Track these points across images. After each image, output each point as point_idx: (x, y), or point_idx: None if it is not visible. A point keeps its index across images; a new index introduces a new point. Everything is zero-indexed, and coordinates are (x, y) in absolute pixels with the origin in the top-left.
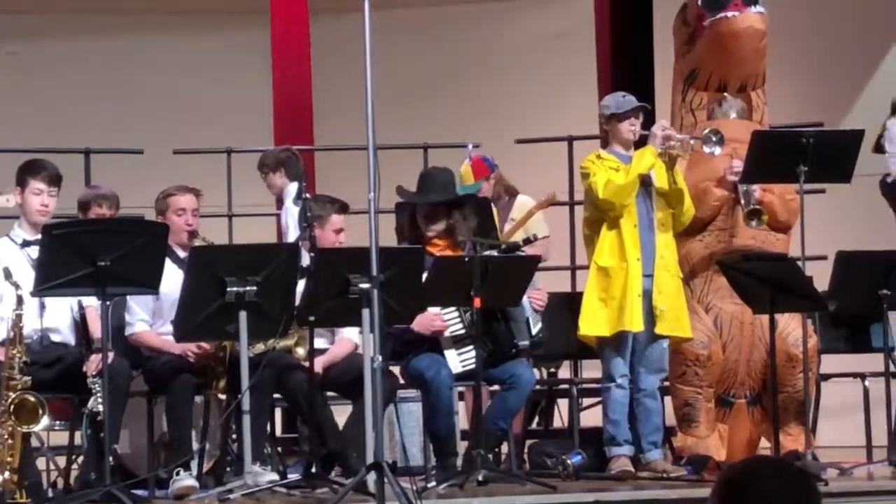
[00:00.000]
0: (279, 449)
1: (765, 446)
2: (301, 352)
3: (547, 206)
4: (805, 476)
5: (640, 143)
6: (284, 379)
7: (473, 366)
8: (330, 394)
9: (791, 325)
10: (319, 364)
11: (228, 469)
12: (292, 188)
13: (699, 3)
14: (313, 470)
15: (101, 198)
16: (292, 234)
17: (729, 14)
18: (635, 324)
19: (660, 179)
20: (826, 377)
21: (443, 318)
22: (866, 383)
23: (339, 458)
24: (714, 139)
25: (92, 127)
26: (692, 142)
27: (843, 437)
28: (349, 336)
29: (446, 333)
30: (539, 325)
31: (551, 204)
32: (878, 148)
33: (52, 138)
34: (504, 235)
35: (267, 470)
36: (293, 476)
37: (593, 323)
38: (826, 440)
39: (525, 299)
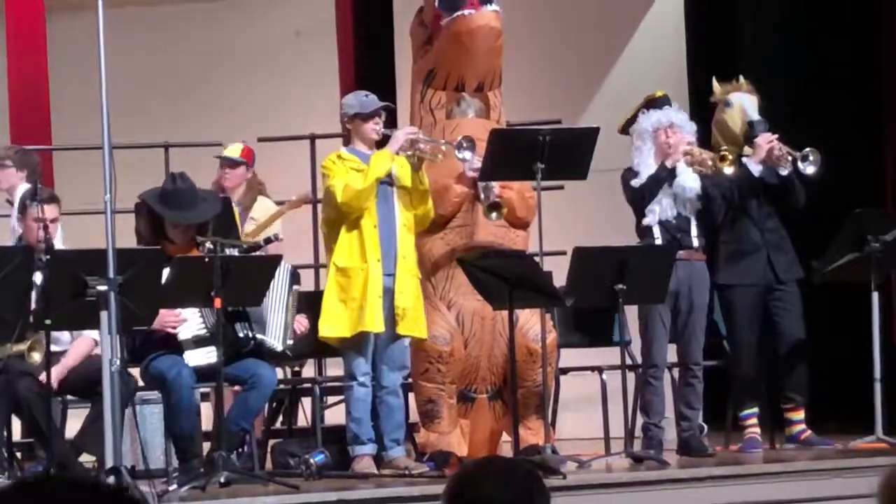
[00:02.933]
0: (18, 454)
1: (507, 440)
2: (36, 356)
3: (300, 205)
4: (533, 477)
5: (383, 142)
6: (13, 387)
7: (213, 360)
8: (69, 397)
9: (531, 321)
10: (56, 375)
11: None
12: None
13: (435, 3)
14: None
15: None
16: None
17: (465, 12)
18: (376, 324)
19: (404, 178)
20: (565, 371)
21: (177, 315)
22: (604, 376)
23: (67, 466)
24: (465, 145)
25: None
26: (444, 147)
27: (582, 429)
28: (87, 334)
29: (187, 336)
30: (291, 342)
31: (305, 203)
32: (626, 130)
33: None
34: (249, 235)
35: (3, 476)
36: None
37: (334, 324)
38: (565, 433)
39: (274, 302)
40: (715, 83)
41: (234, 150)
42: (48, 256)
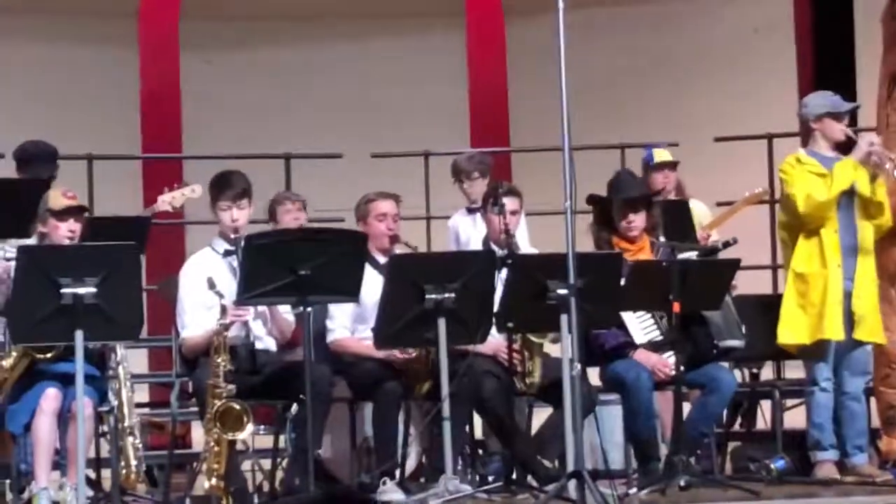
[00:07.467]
0: (479, 451)
1: None
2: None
3: (753, 202)
4: None
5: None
6: (477, 387)
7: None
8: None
9: None
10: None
11: (422, 479)
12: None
13: None
14: (514, 476)
15: (284, 198)
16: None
17: None
18: (835, 332)
19: (863, 188)
20: None
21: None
22: None
23: (528, 466)
24: None
25: (290, 133)
26: (888, 166)
27: None
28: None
29: (643, 340)
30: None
31: (758, 201)
32: None
33: (251, 145)
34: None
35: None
36: (490, 479)
37: (793, 331)
38: None
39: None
40: None
41: (665, 155)
42: (510, 261)
